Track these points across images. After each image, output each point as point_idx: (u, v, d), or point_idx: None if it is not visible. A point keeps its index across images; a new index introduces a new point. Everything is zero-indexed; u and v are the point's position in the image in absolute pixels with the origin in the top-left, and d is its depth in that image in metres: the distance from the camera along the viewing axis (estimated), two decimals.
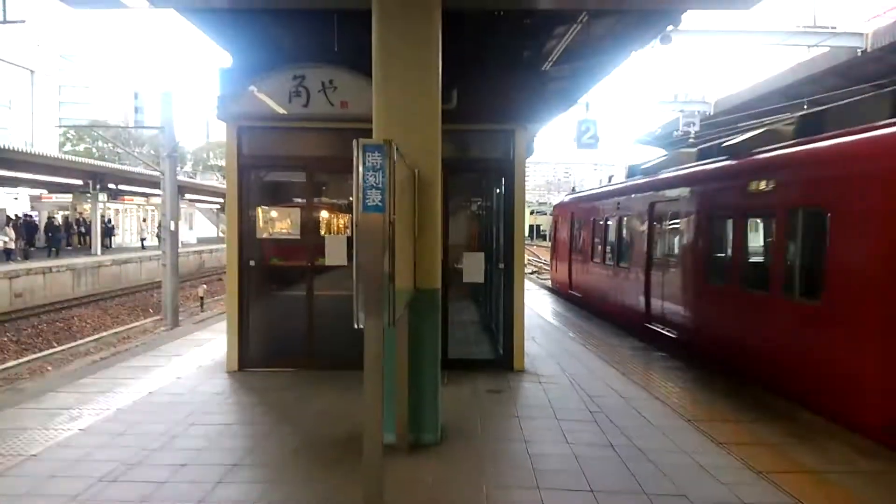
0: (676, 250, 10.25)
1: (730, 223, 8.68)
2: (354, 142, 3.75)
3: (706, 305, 9.13)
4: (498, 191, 8.65)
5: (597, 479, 4.67)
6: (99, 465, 4.86)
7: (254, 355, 8.00)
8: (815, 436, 5.67)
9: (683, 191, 10.05)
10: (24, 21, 11.51)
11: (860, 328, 6.00)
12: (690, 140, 20.17)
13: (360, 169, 3.73)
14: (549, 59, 9.53)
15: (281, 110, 7.54)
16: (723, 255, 9.01)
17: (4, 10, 10.26)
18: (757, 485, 4.61)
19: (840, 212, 6.31)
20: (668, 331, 10.12)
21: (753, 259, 8.34)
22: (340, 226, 7.94)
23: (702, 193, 9.50)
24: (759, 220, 8.32)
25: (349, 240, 7.82)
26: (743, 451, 5.27)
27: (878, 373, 5.78)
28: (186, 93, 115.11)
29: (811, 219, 6.85)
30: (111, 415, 6.11)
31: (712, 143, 12.36)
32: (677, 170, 10.97)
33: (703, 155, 10.73)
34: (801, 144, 7.48)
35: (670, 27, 8.88)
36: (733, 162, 8.95)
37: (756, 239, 8.39)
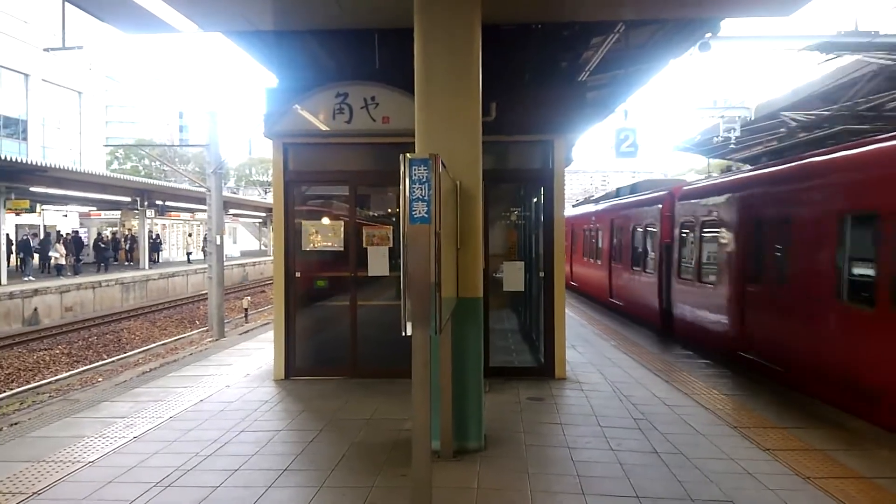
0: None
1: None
2: (401, 156, 3.88)
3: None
4: (537, 200, 8.72)
5: (642, 486, 4.69)
6: (154, 470, 5.05)
7: (300, 364, 8.21)
8: (863, 442, 5.58)
9: None
10: (81, 47, 12.07)
11: None
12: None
13: (407, 182, 3.85)
14: (587, 69, 9.59)
15: (325, 127, 7.76)
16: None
17: (64, 38, 10.81)
18: (805, 490, 4.58)
19: None
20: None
21: None
22: (382, 237, 8.10)
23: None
24: None
25: (391, 251, 7.99)
26: (790, 457, 5.23)
27: None
28: (229, 111, 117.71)
29: None
30: (164, 422, 6.33)
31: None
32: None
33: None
34: None
35: (709, 35, 8.85)
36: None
37: None
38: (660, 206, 12.84)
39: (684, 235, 11.57)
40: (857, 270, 6.66)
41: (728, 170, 15.67)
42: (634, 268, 14.30)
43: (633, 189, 17.58)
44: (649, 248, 13.48)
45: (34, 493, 4.58)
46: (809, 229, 7.47)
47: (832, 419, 6.29)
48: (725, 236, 9.68)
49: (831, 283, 6.86)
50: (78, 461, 5.24)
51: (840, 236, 6.82)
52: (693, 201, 11.31)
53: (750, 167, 11.08)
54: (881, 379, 6.13)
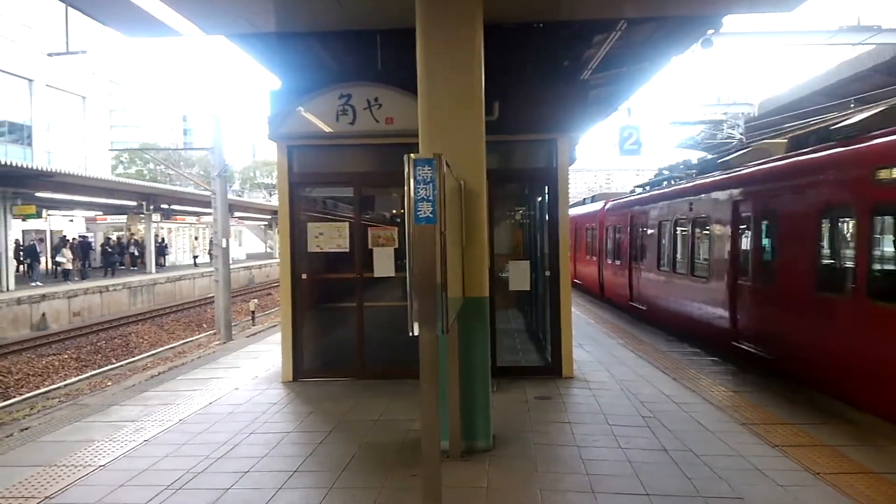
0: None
1: None
2: (405, 156, 3.89)
3: None
4: (541, 199, 8.72)
5: (652, 483, 4.69)
6: (165, 473, 5.07)
7: (308, 366, 8.23)
8: (873, 438, 5.57)
9: None
10: (85, 52, 12.14)
11: None
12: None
13: (412, 182, 3.85)
14: (589, 67, 9.58)
15: (329, 129, 7.77)
16: None
17: (67, 42, 10.86)
18: (815, 486, 4.57)
19: None
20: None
21: None
22: (387, 238, 8.11)
23: None
24: None
25: (396, 252, 8.00)
26: (800, 453, 5.22)
27: None
28: (233, 114, 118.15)
29: None
30: (174, 425, 6.36)
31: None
32: None
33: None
34: None
35: (711, 31, 8.83)
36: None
37: None
38: None
39: None
40: None
41: None
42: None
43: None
44: None
45: (46, 498, 4.61)
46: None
47: (841, 415, 6.28)
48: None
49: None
50: (89, 465, 5.26)
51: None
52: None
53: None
54: None
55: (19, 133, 35.39)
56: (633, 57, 9.42)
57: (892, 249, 6.80)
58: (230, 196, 26.31)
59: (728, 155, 11.84)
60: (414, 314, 3.85)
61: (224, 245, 18.56)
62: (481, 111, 5.67)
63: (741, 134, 21.00)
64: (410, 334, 3.86)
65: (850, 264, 6.84)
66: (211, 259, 26.90)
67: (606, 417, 6.37)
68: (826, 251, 7.43)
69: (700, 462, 5.09)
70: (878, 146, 6.60)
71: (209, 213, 24.00)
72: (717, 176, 10.90)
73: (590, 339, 10.83)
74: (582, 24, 7.86)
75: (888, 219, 6.64)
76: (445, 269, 4.03)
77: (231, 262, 22.24)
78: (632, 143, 15.68)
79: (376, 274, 8.05)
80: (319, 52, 8.62)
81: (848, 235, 7.08)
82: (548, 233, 8.23)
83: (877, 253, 6.67)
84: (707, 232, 10.66)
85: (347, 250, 8.15)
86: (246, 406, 7.04)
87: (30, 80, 35.04)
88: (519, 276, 8.02)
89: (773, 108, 21.95)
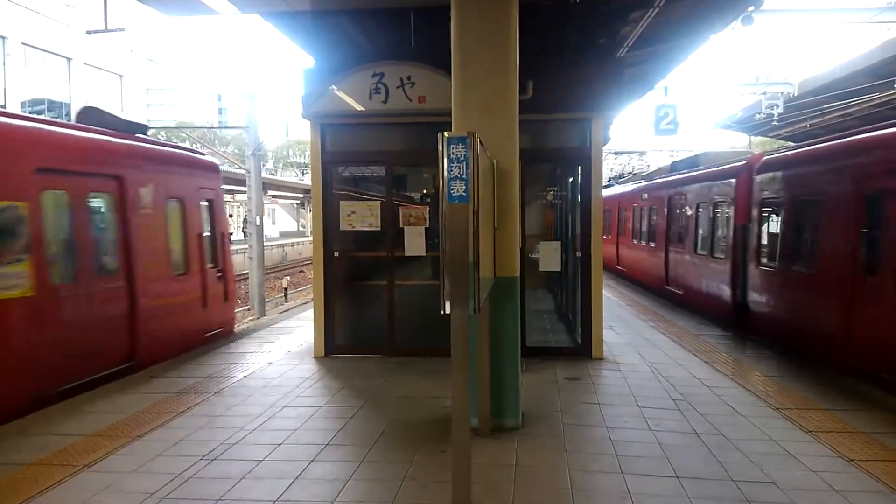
0: None
1: None
2: (439, 135, 3.88)
3: None
4: (574, 179, 8.65)
5: (682, 466, 4.67)
6: (200, 444, 5.19)
7: (339, 342, 8.34)
8: None
9: None
10: (123, 29, 12.32)
11: None
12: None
13: (445, 161, 3.85)
14: (625, 45, 9.42)
15: (361, 107, 7.79)
16: None
17: (106, 20, 11.03)
18: (848, 472, 4.51)
19: None
20: None
21: None
22: (419, 217, 8.13)
23: None
24: None
25: (427, 231, 8.03)
26: (833, 438, 5.15)
27: None
28: (267, 93, 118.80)
29: None
30: (209, 398, 6.51)
31: None
32: None
33: None
34: None
35: (751, 8, 8.59)
36: None
37: None
38: None
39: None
40: None
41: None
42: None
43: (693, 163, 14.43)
44: None
45: (84, 466, 4.75)
46: None
47: (877, 400, 6.16)
48: None
49: None
50: (126, 436, 5.40)
51: None
52: None
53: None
54: None
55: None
56: (671, 34, 9.23)
57: None
58: (263, 175, 26.56)
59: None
60: (446, 293, 3.86)
61: (258, 223, 18.79)
62: (515, 89, 5.62)
63: (779, 114, 20.44)
64: (442, 313, 3.88)
65: None
66: (245, 236, 27.25)
67: (636, 399, 6.35)
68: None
69: (731, 446, 5.05)
70: None
71: (243, 192, 24.26)
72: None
73: (620, 321, 10.76)
74: (619, 0, 7.72)
75: None
76: (477, 248, 4.03)
77: (265, 239, 22.52)
78: (668, 122, 15.41)
79: (407, 253, 8.09)
80: (353, 31, 8.61)
81: None
82: (580, 213, 8.17)
83: None
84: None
85: (379, 229, 8.20)
86: (279, 380, 7.17)
87: (68, 59, 35.62)
88: (550, 256, 8.00)
89: (814, 87, 21.33)
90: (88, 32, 13.98)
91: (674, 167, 16.05)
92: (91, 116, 8.25)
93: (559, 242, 8.27)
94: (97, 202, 7.67)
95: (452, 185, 3.85)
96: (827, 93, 18.98)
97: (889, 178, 6.69)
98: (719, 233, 11.24)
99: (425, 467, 4.69)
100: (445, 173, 3.86)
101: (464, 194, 3.85)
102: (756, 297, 9.61)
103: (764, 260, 9.54)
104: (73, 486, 4.40)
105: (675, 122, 15.49)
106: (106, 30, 11.09)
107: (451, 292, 3.85)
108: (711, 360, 7.97)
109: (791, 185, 8.85)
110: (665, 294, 13.95)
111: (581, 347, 8.15)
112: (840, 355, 7.31)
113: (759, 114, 20.81)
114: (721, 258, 10.97)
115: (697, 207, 12.34)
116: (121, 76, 40.54)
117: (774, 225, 9.31)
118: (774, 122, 20.25)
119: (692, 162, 14.72)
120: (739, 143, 37.94)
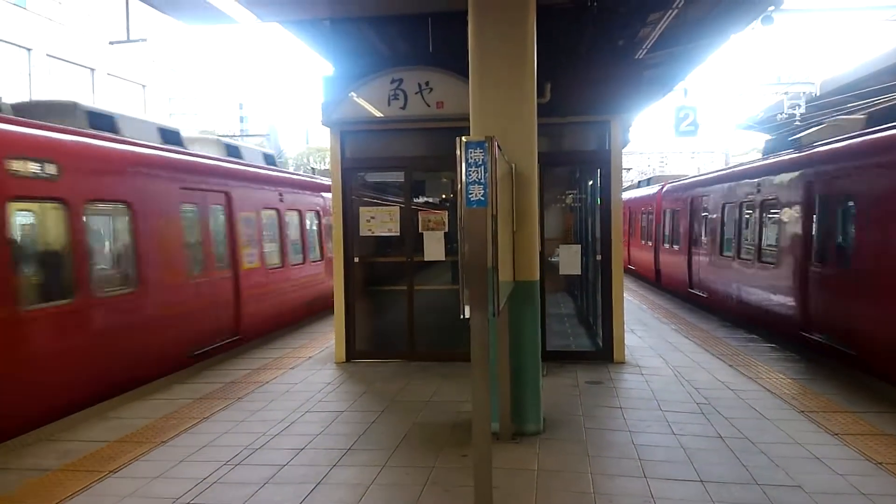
0: None
1: None
2: (457, 139, 3.89)
3: None
4: (593, 182, 8.61)
5: (706, 470, 4.62)
6: (224, 449, 5.24)
7: (360, 347, 8.38)
8: None
9: None
10: (145, 40, 12.53)
11: None
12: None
13: (463, 165, 3.85)
14: (644, 47, 9.37)
15: (380, 113, 7.82)
16: None
17: (128, 31, 11.23)
18: (876, 475, 4.44)
19: None
20: None
21: None
22: (438, 222, 8.15)
23: None
24: None
25: (446, 235, 8.04)
26: (860, 441, 5.07)
27: None
28: (287, 101, 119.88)
29: None
30: (232, 403, 6.56)
31: None
32: None
33: None
34: None
35: (771, 8, 8.50)
36: None
37: None
38: None
39: None
40: None
41: None
42: None
43: None
44: None
45: (110, 472, 4.81)
46: None
47: None
48: None
49: None
50: (151, 441, 5.47)
51: None
52: None
53: None
54: None
55: None
56: (690, 35, 9.16)
57: None
58: None
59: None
60: (465, 297, 3.87)
61: None
62: (533, 93, 5.62)
63: (801, 114, 20.17)
64: (462, 317, 3.89)
65: None
66: None
67: (659, 403, 6.30)
68: None
69: (756, 449, 4.99)
70: None
71: None
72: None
73: (642, 325, 10.68)
74: (637, 1, 7.69)
75: None
76: (497, 252, 4.03)
77: None
78: (688, 123, 15.30)
79: (426, 258, 8.11)
80: (372, 38, 8.67)
81: None
82: (600, 216, 8.13)
83: None
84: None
85: (398, 234, 8.23)
86: (301, 385, 7.21)
87: (92, 70, 36.20)
88: (570, 260, 7.96)
89: (836, 87, 21.03)
90: (111, 43, 14.24)
91: (639, 184, 23.99)
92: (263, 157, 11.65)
93: (579, 245, 8.23)
94: (216, 210, 9.40)
95: (471, 190, 3.85)
96: (849, 92, 18.70)
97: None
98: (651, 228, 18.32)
99: (447, 472, 4.70)
100: (464, 178, 3.86)
101: (482, 198, 3.85)
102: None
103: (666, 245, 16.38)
104: (100, 492, 4.46)
105: (695, 123, 15.38)
106: (128, 40, 11.29)
107: (471, 296, 3.85)
108: (736, 363, 7.87)
109: (670, 201, 16.14)
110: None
111: (602, 351, 8.10)
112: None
113: (781, 114, 20.59)
114: (649, 244, 18.22)
115: (641, 213, 19.94)
116: (144, 86, 41.10)
117: (669, 222, 16.30)
118: (797, 123, 19.99)
119: (647, 182, 22.85)
120: (761, 144, 37.49)
